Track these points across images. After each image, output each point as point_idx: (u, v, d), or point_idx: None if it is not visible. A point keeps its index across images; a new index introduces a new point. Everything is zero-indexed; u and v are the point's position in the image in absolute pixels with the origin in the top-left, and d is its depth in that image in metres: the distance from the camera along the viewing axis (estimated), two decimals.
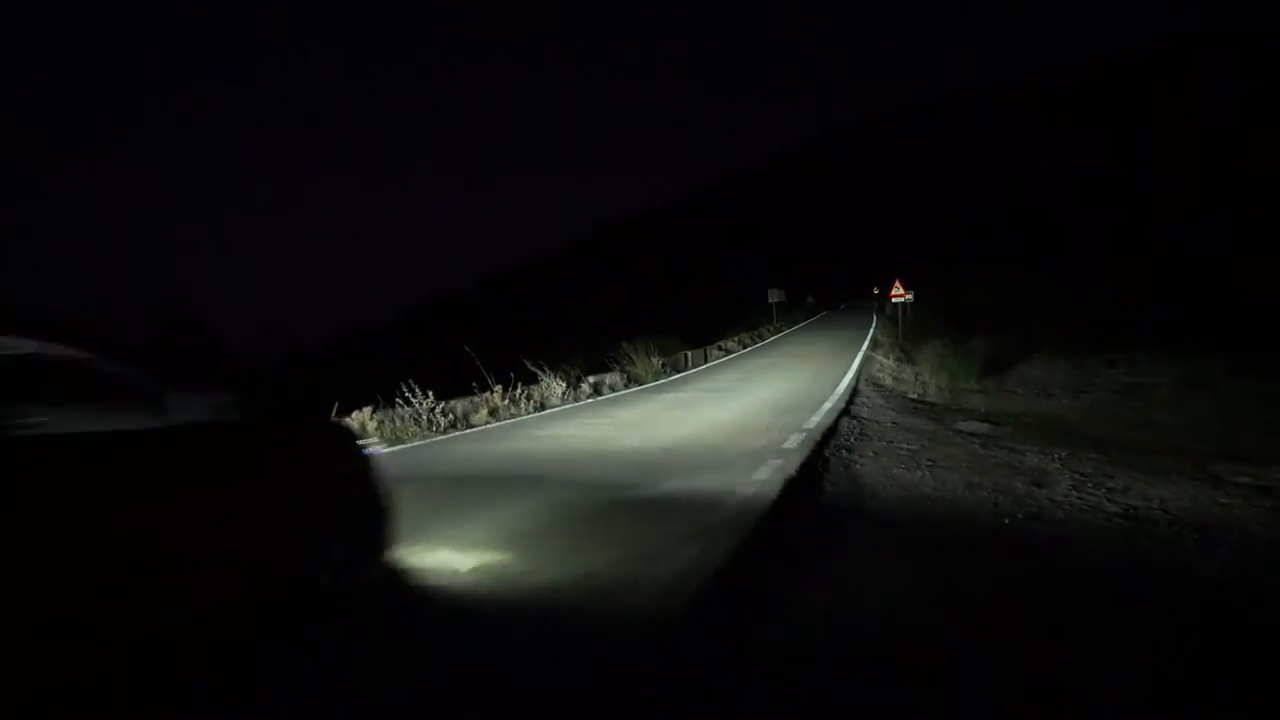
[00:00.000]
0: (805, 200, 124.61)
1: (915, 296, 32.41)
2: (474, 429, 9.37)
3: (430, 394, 9.26)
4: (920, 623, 2.90)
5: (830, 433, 7.69)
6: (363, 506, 3.29)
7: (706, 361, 21.53)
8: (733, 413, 9.75)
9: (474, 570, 3.51)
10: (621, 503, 4.81)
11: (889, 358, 18.75)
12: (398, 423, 8.90)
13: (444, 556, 3.73)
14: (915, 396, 12.22)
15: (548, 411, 10.98)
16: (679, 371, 18.36)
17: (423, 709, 2.27)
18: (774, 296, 40.91)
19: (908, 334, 27.50)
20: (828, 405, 10.08)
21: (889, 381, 14.49)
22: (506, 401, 10.77)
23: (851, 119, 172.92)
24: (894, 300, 32.83)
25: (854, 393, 11.94)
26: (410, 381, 9.16)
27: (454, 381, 10.67)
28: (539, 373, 12.22)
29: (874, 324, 38.35)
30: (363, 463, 3.38)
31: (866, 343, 26.50)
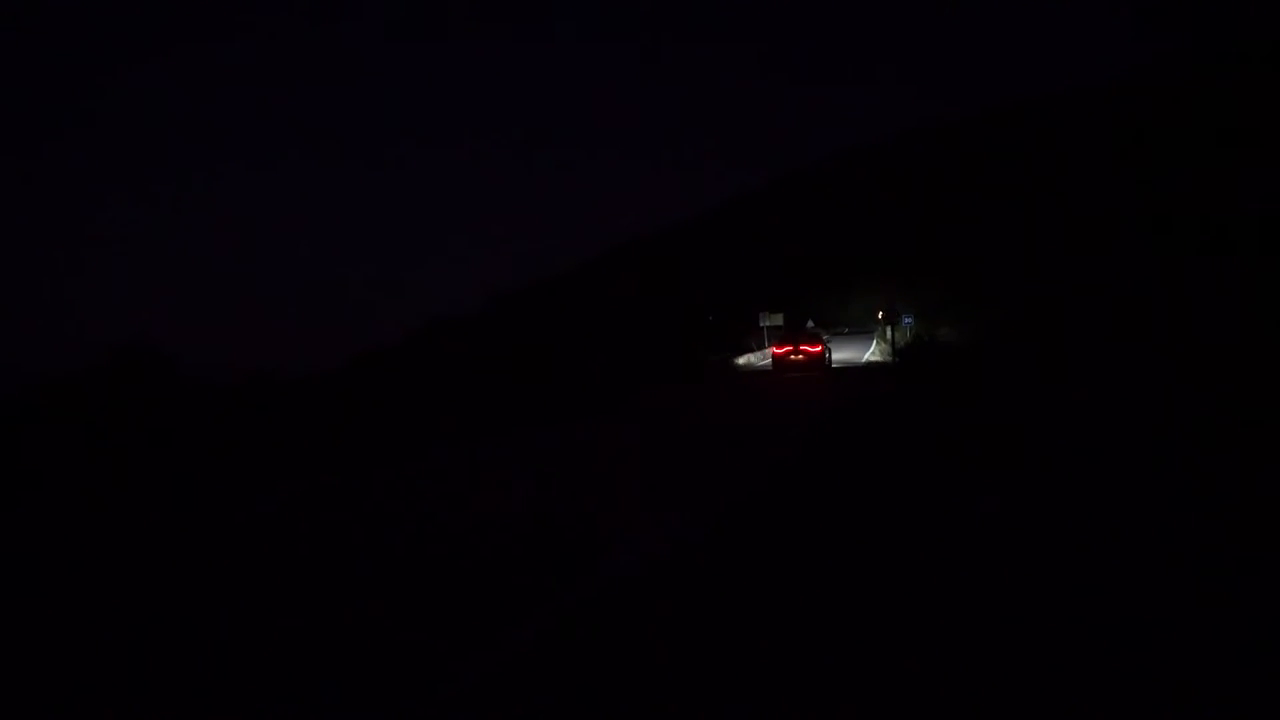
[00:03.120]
0: (815, 222, 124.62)
1: (916, 321, 33.92)
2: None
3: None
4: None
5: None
6: (827, 353, 35.24)
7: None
8: None
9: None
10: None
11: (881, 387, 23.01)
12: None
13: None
14: None
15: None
16: None
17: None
18: (766, 320, 40.37)
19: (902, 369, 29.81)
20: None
21: None
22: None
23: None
24: (888, 326, 33.25)
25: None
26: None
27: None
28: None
29: (870, 349, 40.40)
30: (829, 346, 36.01)
31: (860, 366, 29.60)
